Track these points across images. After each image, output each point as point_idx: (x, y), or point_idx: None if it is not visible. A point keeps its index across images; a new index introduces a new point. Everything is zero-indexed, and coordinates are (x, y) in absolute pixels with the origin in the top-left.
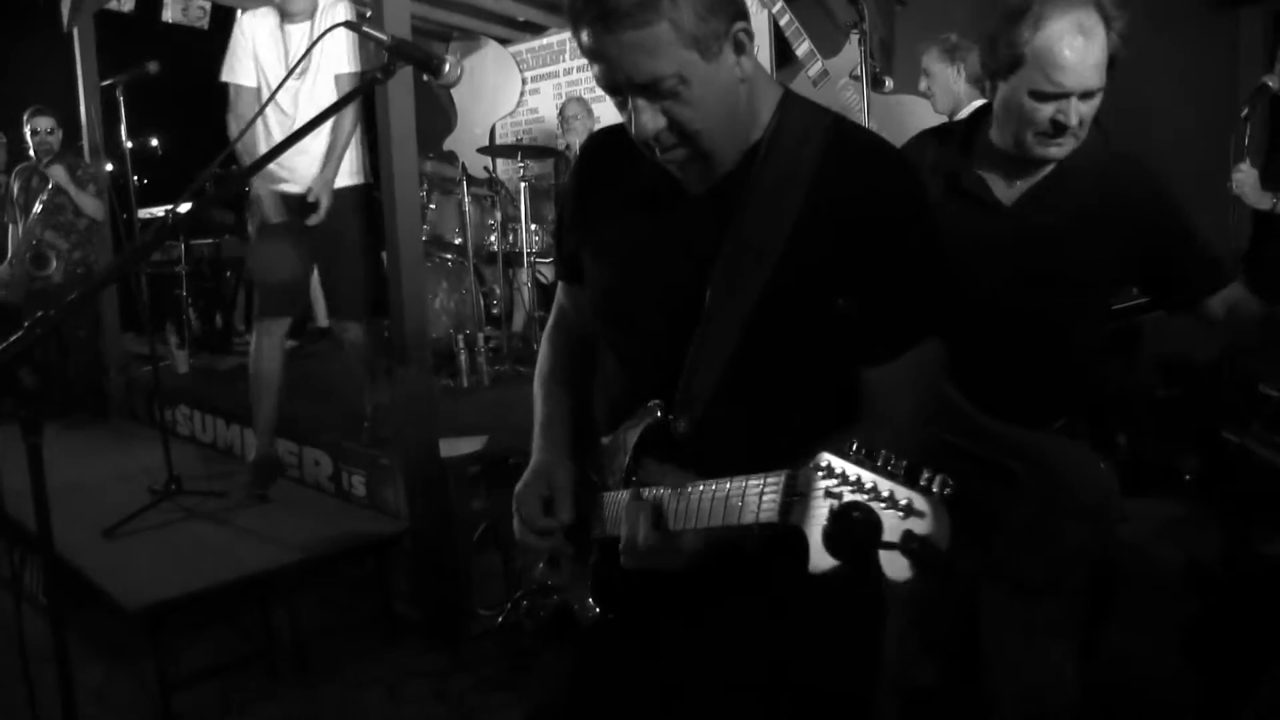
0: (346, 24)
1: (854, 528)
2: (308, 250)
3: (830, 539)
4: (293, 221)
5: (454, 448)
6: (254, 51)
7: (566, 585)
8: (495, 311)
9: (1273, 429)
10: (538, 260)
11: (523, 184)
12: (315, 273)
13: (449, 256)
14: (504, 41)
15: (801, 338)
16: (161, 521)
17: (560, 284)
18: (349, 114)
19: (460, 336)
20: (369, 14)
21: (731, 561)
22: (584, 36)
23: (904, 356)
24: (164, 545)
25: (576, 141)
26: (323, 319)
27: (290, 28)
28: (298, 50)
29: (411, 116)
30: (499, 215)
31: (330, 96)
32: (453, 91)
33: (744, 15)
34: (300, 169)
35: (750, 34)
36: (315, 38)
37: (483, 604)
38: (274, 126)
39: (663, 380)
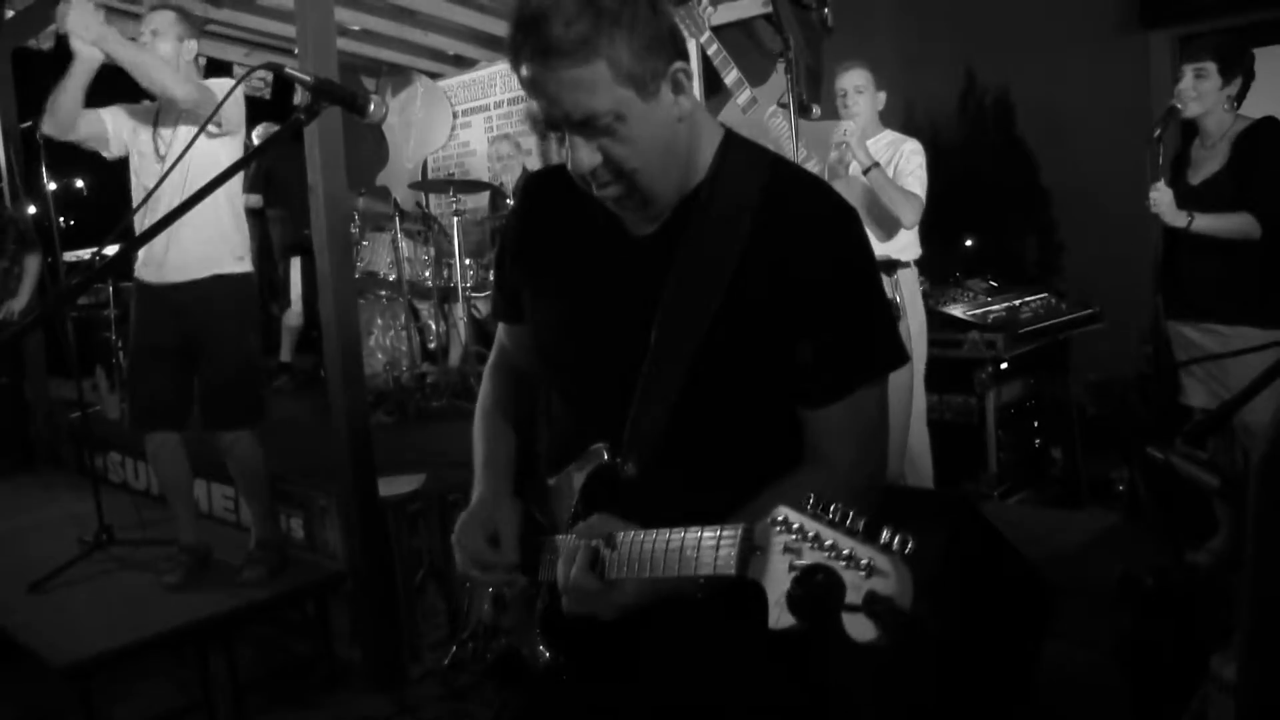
0: (270, 65)
1: (816, 590)
2: (182, 346)
3: (794, 600)
4: (163, 324)
5: (392, 486)
6: (133, 128)
7: (514, 628)
8: (431, 347)
9: (1196, 445)
10: (473, 295)
11: (456, 218)
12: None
13: (383, 293)
14: (434, 76)
15: (746, 380)
16: (92, 573)
17: (500, 324)
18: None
19: (396, 373)
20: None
21: (678, 611)
22: (523, 70)
23: (847, 399)
24: (95, 598)
25: (509, 180)
26: (285, 354)
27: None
28: (165, 128)
29: (340, 151)
30: (433, 250)
31: (198, 178)
32: (384, 127)
33: (684, 55)
34: (171, 256)
35: (689, 74)
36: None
37: (425, 645)
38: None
39: (609, 422)
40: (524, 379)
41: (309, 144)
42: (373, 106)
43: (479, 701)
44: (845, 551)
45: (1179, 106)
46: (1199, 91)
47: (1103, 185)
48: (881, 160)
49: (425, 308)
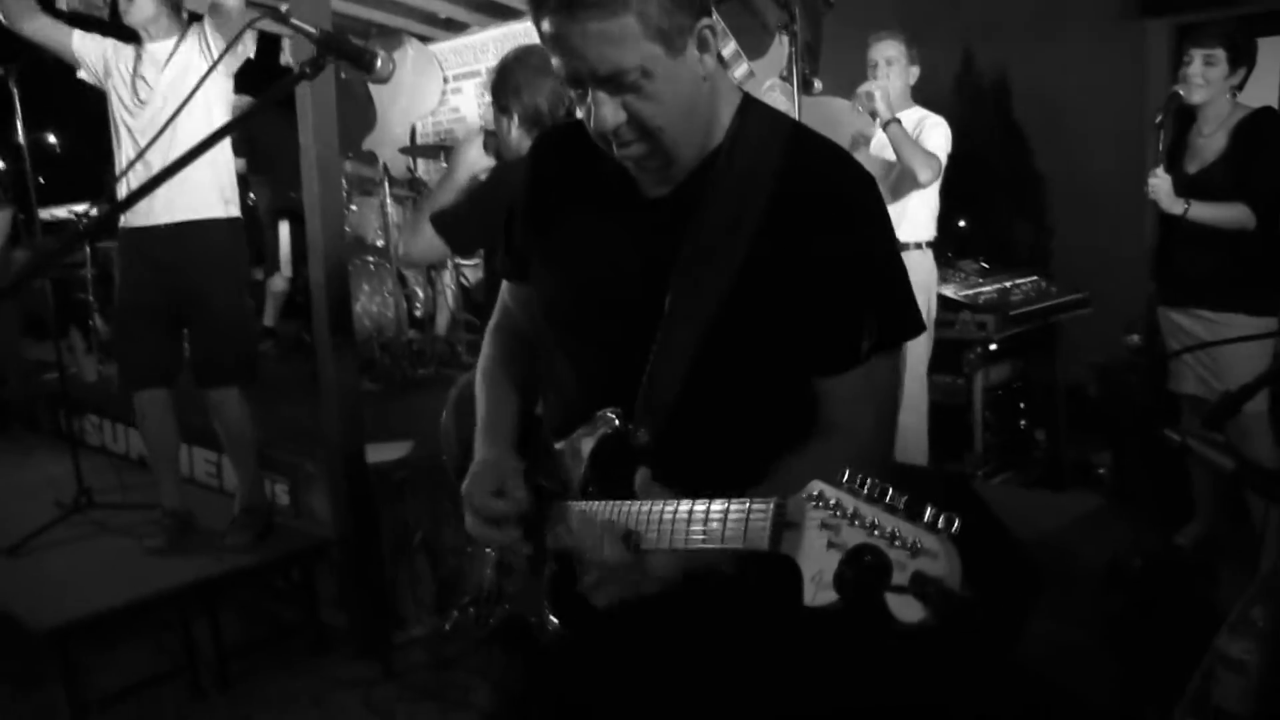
0: (274, 14)
1: (865, 570)
2: (172, 302)
3: (841, 580)
4: (150, 277)
5: (379, 453)
6: (105, 60)
7: (518, 595)
8: (417, 314)
9: (1213, 428)
10: (461, 263)
11: None
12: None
13: (370, 259)
14: (425, 39)
15: (763, 346)
16: (71, 537)
17: (505, 282)
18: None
19: (382, 340)
20: (285, 7)
21: (701, 583)
22: (545, 24)
23: (863, 366)
24: (75, 562)
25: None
26: (269, 319)
27: (150, 46)
28: (149, 70)
29: (333, 113)
30: None
31: (186, 122)
32: (372, 89)
33: (709, 12)
34: (159, 195)
35: (715, 32)
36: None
37: (410, 611)
38: (128, 151)
39: (620, 387)
40: (527, 340)
41: (301, 105)
42: (379, 63)
43: (465, 669)
44: (888, 530)
45: (1182, 93)
46: (1207, 79)
47: (1095, 172)
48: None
49: (412, 274)
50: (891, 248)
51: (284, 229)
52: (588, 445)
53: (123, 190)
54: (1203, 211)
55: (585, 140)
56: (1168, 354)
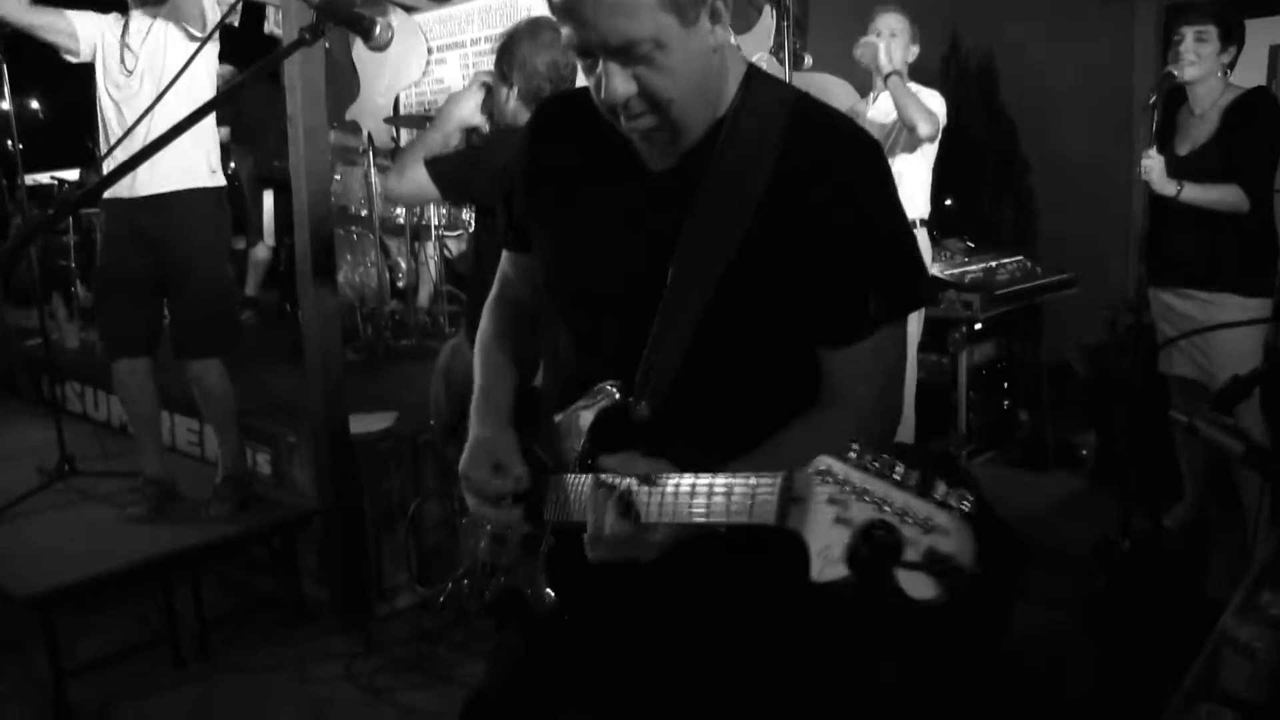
0: None
1: (878, 546)
2: (153, 272)
3: (854, 556)
4: (132, 247)
5: (362, 424)
6: (102, 36)
7: (514, 567)
8: (400, 285)
9: (1222, 410)
10: (445, 234)
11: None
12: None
13: (353, 229)
14: (408, 9)
15: (766, 318)
16: (53, 504)
17: (505, 252)
18: None
19: (365, 310)
20: None
21: (699, 555)
22: None
23: (870, 338)
24: (56, 529)
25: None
26: (251, 288)
27: (135, 14)
28: (135, 41)
29: (322, 82)
30: None
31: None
32: (355, 59)
33: None
34: (143, 168)
35: (727, 3)
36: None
37: (392, 584)
38: (113, 123)
39: (621, 360)
40: (526, 311)
41: (289, 75)
42: (378, 29)
43: (448, 643)
44: (899, 506)
45: (1175, 73)
46: (1199, 54)
47: (1081, 153)
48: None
49: (395, 245)
50: (899, 217)
51: (268, 198)
52: (587, 418)
53: (110, 163)
54: (1195, 193)
55: (588, 110)
56: (1166, 340)
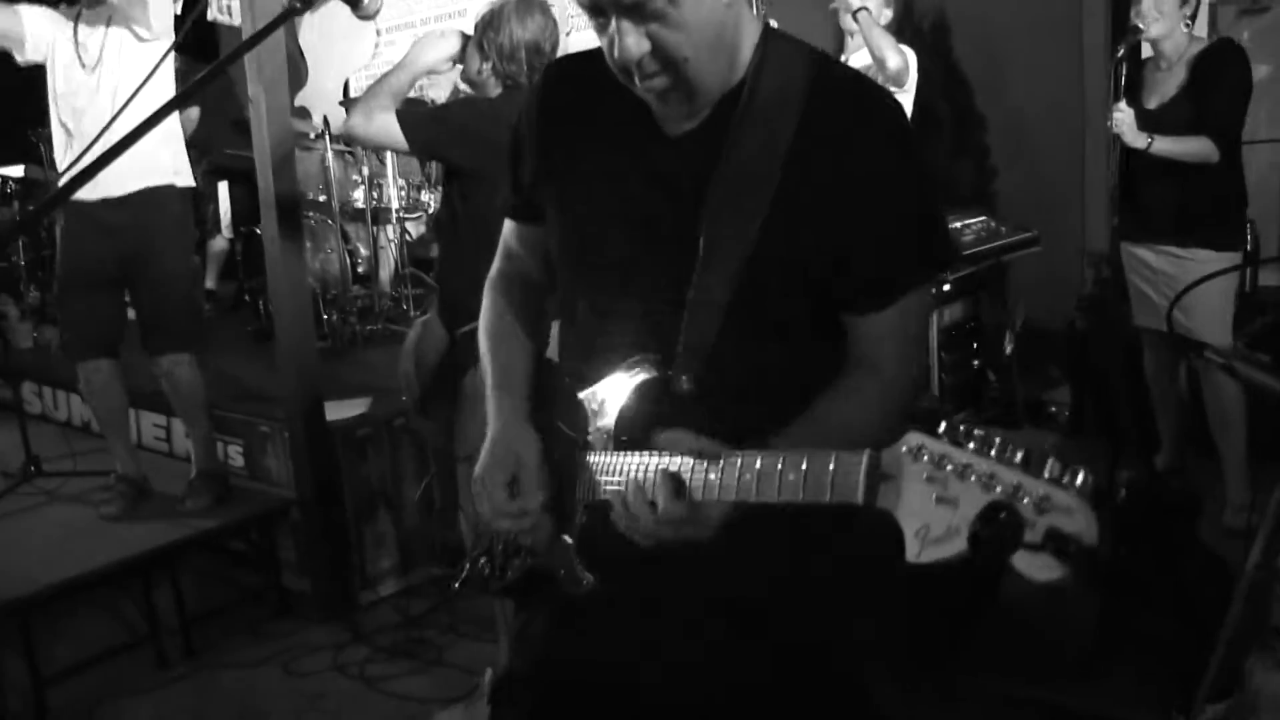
0: None
1: (1002, 529)
2: (118, 270)
3: (977, 540)
4: (96, 246)
5: (336, 411)
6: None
7: (542, 549)
8: (360, 270)
9: (1257, 348)
10: (405, 216)
11: None
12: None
13: (311, 215)
14: None
15: (799, 284)
16: (22, 507)
17: (510, 225)
18: None
19: (328, 296)
20: None
21: (753, 532)
22: None
23: (898, 304)
24: (28, 533)
25: (440, 96)
26: (210, 280)
27: (86, 11)
28: (89, 36)
29: (284, 62)
30: (365, 171)
31: (126, 88)
32: (303, 44)
33: None
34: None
35: None
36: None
37: (376, 569)
38: (71, 124)
39: (652, 331)
40: (534, 285)
41: (249, 56)
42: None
43: (436, 627)
44: (1012, 484)
45: (1141, 26)
46: (1161, 10)
47: (1034, 109)
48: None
49: (354, 230)
50: (921, 181)
51: (223, 189)
52: (617, 392)
53: (62, 161)
54: (1166, 145)
55: (599, 71)
56: (1176, 297)
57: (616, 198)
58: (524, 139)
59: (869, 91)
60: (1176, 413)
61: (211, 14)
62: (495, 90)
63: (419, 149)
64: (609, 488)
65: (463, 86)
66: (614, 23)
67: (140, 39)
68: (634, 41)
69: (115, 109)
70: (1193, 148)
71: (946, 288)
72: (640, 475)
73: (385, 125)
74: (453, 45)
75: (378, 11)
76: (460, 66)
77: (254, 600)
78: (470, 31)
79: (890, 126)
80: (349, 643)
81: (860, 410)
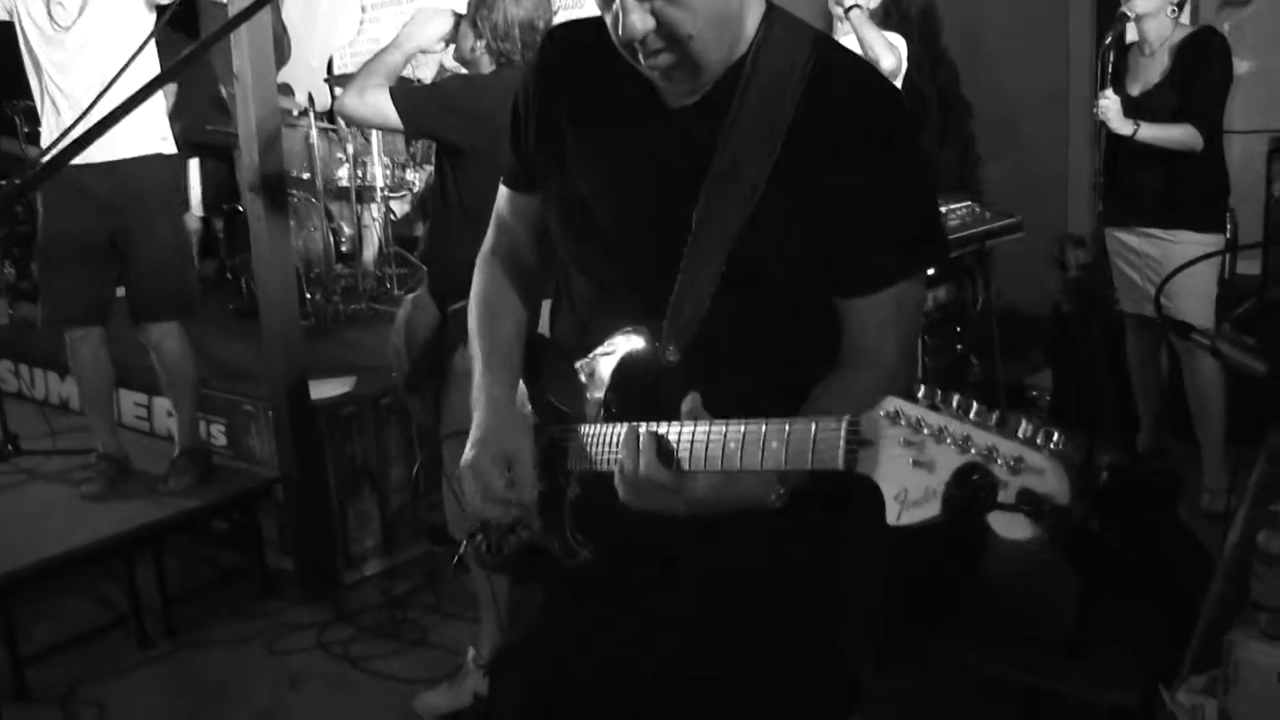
0: None
1: (976, 490)
2: (107, 239)
3: (950, 501)
4: (82, 214)
5: (320, 390)
6: None
7: (537, 523)
8: (345, 249)
9: (1243, 330)
10: (390, 195)
11: None
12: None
13: (295, 193)
14: None
15: (791, 262)
16: (1, 486)
17: (505, 193)
18: None
19: (312, 274)
20: None
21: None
22: None
23: (893, 289)
24: (7, 512)
25: (427, 75)
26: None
27: None
28: None
29: (270, 37)
30: (350, 149)
31: (108, 51)
32: (286, 21)
33: None
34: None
35: None
36: None
37: (360, 548)
38: (47, 86)
39: (644, 303)
40: (526, 259)
41: (235, 36)
42: None
43: (420, 606)
44: (986, 445)
45: (1127, 12)
46: None
47: (1019, 97)
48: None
49: (337, 208)
50: (919, 166)
51: (193, 166)
52: (609, 364)
53: (48, 130)
54: (1152, 132)
55: (600, 39)
56: (1164, 280)
57: (615, 168)
58: (524, 106)
59: (868, 76)
60: (1157, 396)
61: None
62: (489, 68)
63: (413, 128)
64: (601, 459)
65: (451, 65)
66: (619, 0)
67: None
68: (639, 18)
69: (98, 70)
70: (1177, 134)
71: (931, 271)
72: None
73: (378, 104)
74: (446, 24)
75: None
76: (451, 45)
77: (237, 579)
78: (462, 9)
79: (888, 112)
80: (332, 622)
81: (860, 399)
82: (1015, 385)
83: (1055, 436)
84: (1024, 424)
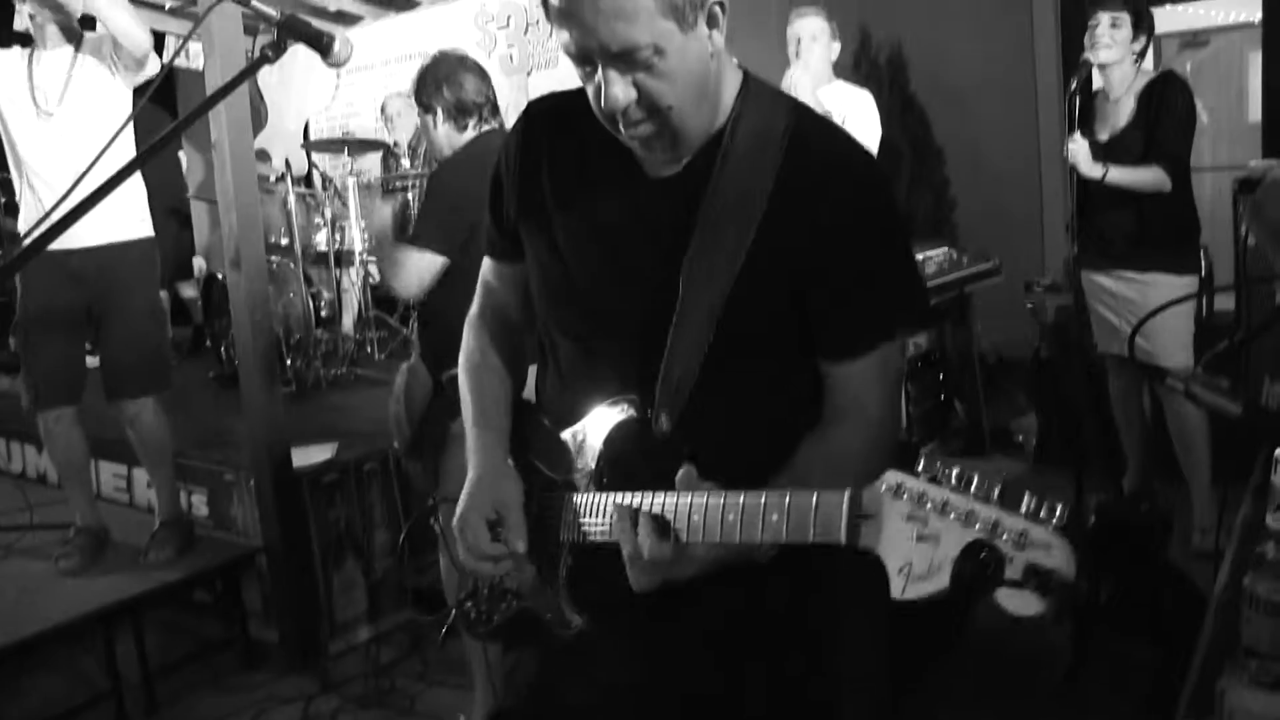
0: None
1: (982, 567)
2: (83, 317)
3: (959, 577)
4: (62, 293)
5: (303, 457)
6: None
7: (530, 592)
8: (324, 314)
9: (1215, 374)
10: (369, 258)
11: (352, 180)
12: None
13: (274, 259)
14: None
15: (777, 329)
16: None
17: (489, 262)
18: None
19: (291, 340)
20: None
21: (738, 571)
22: None
23: (876, 352)
24: None
25: (404, 138)
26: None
27: (44, 54)
28: (47, 79)
29: (247, 104)
30: (328, 214)
31: (90, 133)
32: (263, 86)
33: None
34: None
35: (724, 7)
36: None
37: (345, 616)
38: (26, 169)
39: (632, 372)
40: (513, 324)
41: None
42: (337, 45)
43: (406, 675)
44: (990, 521)
45: (1091, 59)
46: (1113, 39)
47: (991, 142)
48: (833, 114)
49: (316, 273)
50: (898, 230)
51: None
52: (600, 433)
53: (26, 212)
54: (1120, 175)
55: (580, 111)
56: (1138, 323)
57: (598, 239)
58: (505, 177)
59: (844, 144)
60: (1141, 436)
61: (20, 23)
62: (461, 136)
63: (456, 245)
64: (595, 530)
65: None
66: (601, 71)
67: (127, 71)
68: (621, 90)
69: (78, 152)
70: (1146, 177)
71: None
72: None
73: (415, 262)
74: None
75: (348, 59)
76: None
77: (219, 652)
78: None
79: (864, 179)
80: (318, 694)
81: (848, 456)
82: (1000, 429)
83: (1058, 511)
84: (1026, 498)
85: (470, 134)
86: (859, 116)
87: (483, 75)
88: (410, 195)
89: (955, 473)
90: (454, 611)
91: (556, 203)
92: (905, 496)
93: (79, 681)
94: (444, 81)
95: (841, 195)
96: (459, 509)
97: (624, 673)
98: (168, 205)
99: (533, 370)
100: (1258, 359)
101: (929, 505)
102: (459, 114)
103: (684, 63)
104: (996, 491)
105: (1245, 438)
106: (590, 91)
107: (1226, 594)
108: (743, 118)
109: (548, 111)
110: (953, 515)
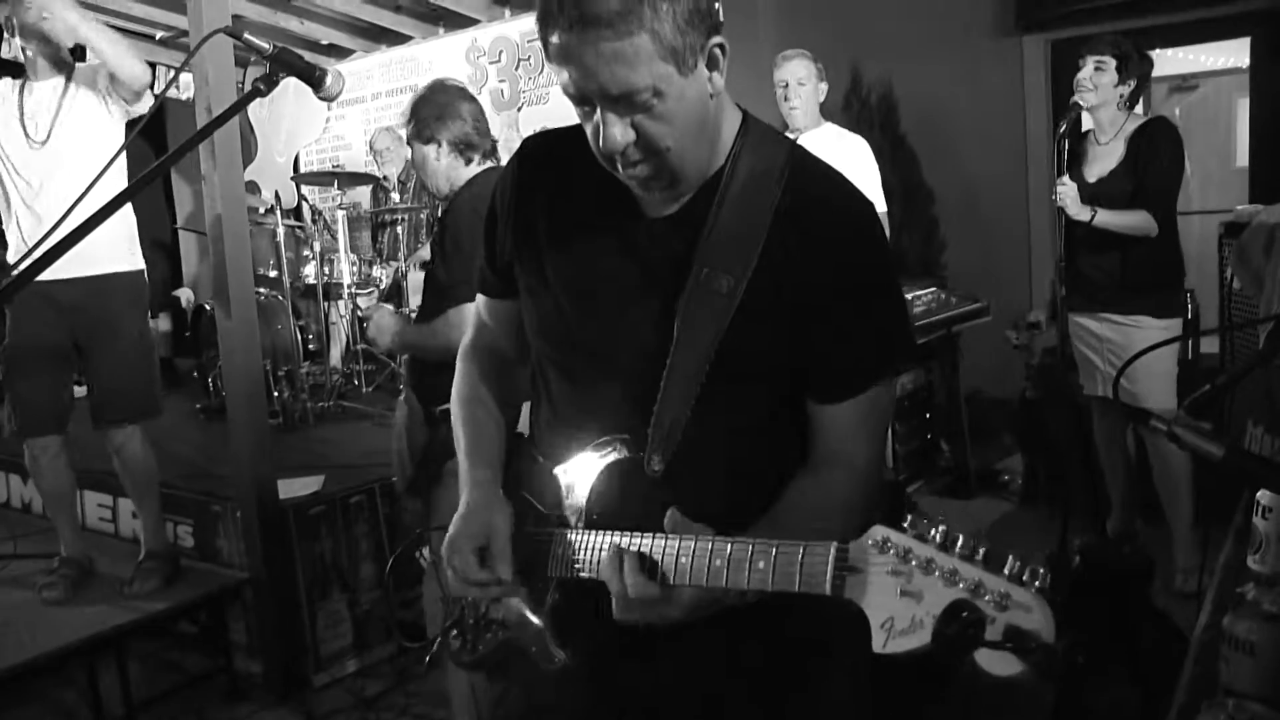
0: (227, 30)
1: (964, 627)
2: (71, 346)
3: (940, 637)
4: (51, 324)
5: (289, 489)
6: None
7: (515, 624)
8: (312, 346)
9: (1198, 416)
10: (357, 292)
11: (341, 213)
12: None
13: (262, 291)
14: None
15: (770, 371)
16: None
17: (482, 298)
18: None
19: (279, 373)
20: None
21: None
22: (555, 39)
23: (866, 395)
24: None
25: (394, 172)
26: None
27: (35, 84)
28: (39, 109)
29: (237, 137)
30: (317, 246)
31: (81, 164)
32: (253, 119)
33: (719, 30)
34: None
35: (725, 50)
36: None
37: (330, 649)
38: (15, 200)
39: (626, 411)
40: (506, 359)
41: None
42: (329, 79)
43: (390, 709)
44: (973, 581)
45: (1079, 103)
46: (1096, 83)
47: (980, 183)
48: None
49: (304, 306)
50: (890, 275)
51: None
52: (591, 472)
53: (15, 241)
54: (1108, 218)
55: (577, 148)
56: (1123, 366)
57: (594, 277)
58: (500, 215)
59: (841, 187)
60: (1126, 478)
61: (158, 87)
62: (476, 169)
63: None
64: (582, 567)
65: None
66: (599, 112)
67: (119, 105)
68: (619, 131)
69: (69, 183)
70: (1133, 220)
71: None
72: (618, 556)
73: (454, 320)
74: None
75: (339, 93)
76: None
77: (204, 684)
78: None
79: (861, 223)
80: None
81: (833, 502)
82: (986, 469)
83: (1040, 574)
84: (1009, 560)
85: (475, 169)
86: (852, 165)
87: (479, 106)
88: (400, 229)
89: (941, 530)
90: (438, 640)
91: (551, 240)
92: (891, 552)
93: (60, 715)
94: (444, 114)
95: (837, 238)
96: (449, 534)
97: (605, 711)
98: (152, 236)
99: (528, 407)
100: (1240, 402)
101: (914, 562)
102: (465, 148)
103: (682, 105)
104: (981, 552)
105: (1227, 480)
106: (589, 131)
107: (1207, 634)
108: (741, 158)
109: (543, 148)
110: (937, 573)
